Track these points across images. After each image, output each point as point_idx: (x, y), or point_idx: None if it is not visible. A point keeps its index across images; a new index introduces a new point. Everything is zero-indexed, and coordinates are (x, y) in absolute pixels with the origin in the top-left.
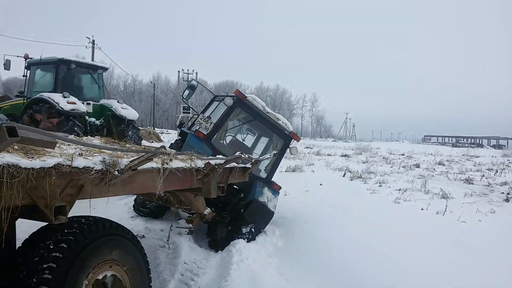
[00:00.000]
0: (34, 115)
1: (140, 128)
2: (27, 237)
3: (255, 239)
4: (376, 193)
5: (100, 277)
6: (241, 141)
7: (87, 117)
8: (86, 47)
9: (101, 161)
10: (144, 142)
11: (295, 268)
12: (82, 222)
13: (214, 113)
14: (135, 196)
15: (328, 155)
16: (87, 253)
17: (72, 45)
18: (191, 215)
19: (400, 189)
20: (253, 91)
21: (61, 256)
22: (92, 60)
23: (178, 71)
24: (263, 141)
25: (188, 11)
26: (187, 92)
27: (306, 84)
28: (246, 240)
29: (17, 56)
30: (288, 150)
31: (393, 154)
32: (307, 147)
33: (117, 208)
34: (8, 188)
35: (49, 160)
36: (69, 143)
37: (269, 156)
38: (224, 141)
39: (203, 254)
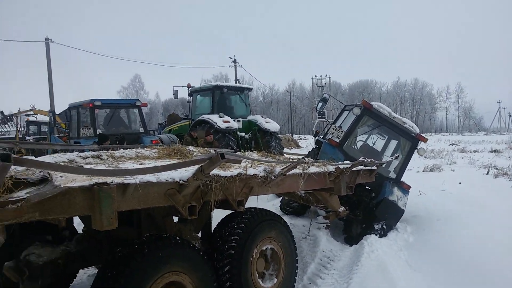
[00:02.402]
0: (192, 133)
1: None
2: (219, 221)
3: (386, 235)
4: None
5: (264, 248)
6: (371, 145)
7: (238, 132)
8: (230, 66)
9: (264, 170)
10: (284, 150)
11: (425, 262)
12: (252, 211)
13: (345, 122)
14: (281, 197)
15: (475, 151)
16: (256, 231)
17: (218, 66)
18: (328, 213)
19: None
20: (389, 88)
21: (241, 232)
22: (235, 77)
23: (312, 78)
24: (392, 144)
25: (316, 16)
26: (320, 104)
27: (449, 74)
28: (378, 235)
29: (182, 86)
30: (416, 151)
31: None
32: (452, 144)
33: (267, 208)
34: (213, 188)
35: (234, 171)
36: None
37: (391, 159)
38: (355, 146)
39: (339, 246)
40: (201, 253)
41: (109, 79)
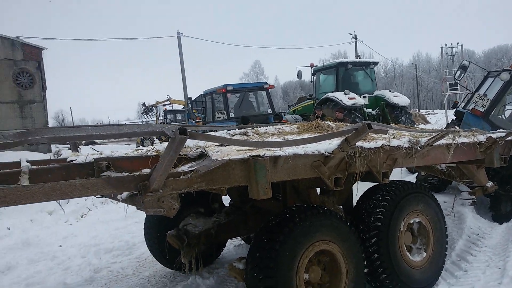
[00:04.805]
0: (317, 112)
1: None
2: (362, 193)
3: None
4: None
5: (411, 221)
6: None
7: (364, 109)
8: (350, 43)
9: (408, 141)
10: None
11: None
12: (397, 183)
13: (490, 89)
14: (416, 173)
15: None
16: (402, 203)
17: (336, 44)
18: (473, 188)
19: None
20: None
21: (386, 204)
22: (356, 53)
23: (441, 47)
24: None
25: None
26: (458, 72)
27: None
28: None
29: (305, 66)
30: None
31: None
32: None
33: None
34: (357, 160)
35: (378, 142)
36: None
37: None
38: (503, 115)
39: (487, 223)
40: (348, 223)
41: (232, 67)
